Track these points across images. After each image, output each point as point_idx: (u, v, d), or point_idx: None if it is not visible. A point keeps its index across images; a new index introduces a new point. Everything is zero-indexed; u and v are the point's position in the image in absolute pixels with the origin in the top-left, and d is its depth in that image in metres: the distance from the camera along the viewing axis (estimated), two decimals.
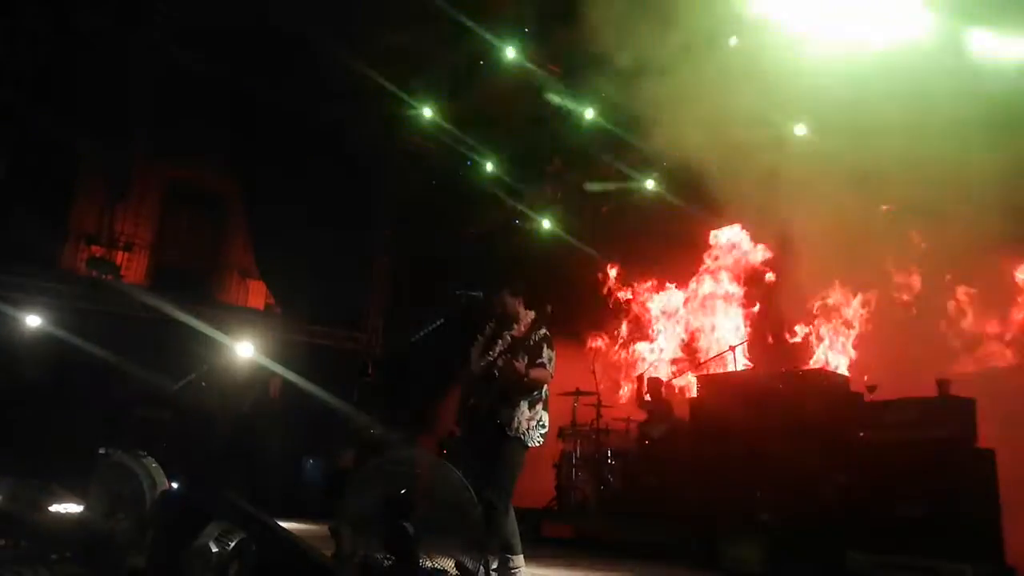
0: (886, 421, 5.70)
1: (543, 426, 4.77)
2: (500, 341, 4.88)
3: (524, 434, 4.65)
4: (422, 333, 5.68)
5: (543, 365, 4.72)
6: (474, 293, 5.20)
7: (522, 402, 4.68)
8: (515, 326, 4.89)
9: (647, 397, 9.36)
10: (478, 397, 4.74)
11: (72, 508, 4.40)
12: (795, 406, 6.36)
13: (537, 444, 4.74)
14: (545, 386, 4.81)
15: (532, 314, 4.90)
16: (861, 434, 5.80)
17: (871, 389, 6.18)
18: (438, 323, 5.60)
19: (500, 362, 4.72)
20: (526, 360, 4.62)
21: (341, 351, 14.71)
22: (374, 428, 9.66)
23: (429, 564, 3.81)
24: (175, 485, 5.50)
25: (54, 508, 4.64)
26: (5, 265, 11.79)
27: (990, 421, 5.50)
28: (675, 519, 7.32)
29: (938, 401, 5.53)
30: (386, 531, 3.82)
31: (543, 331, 4.77)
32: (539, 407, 4.77)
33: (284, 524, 3.52)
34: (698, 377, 8.60)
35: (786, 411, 6.37)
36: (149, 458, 6.56)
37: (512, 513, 4.65)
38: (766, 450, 6.27)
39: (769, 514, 6.10)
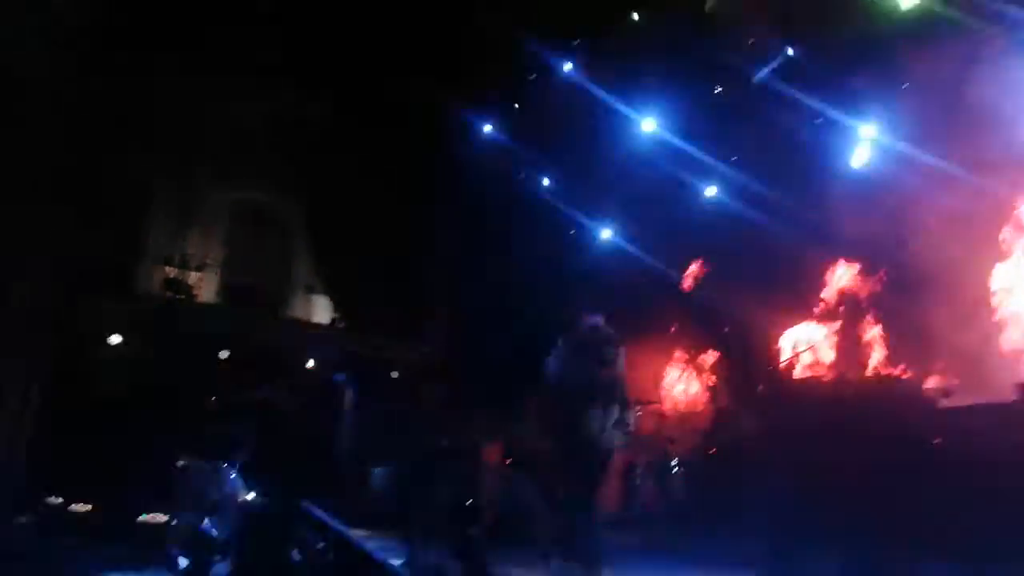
0: (963, 427, 5.51)
1: (626, 423, 4.73)
2: (576, 350, 4.82)
3: (604, 438, 4.61)
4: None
5: (610, 363, 4.68)
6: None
7: (600, 408, 4.62)
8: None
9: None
10: (560, 406, 4.73)
11: (158, 517, 4.62)
12: (866, 412, 6.21)
13: (620, 443, 4.73)
14: (621, 385, 4.78)
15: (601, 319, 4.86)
16: (936, 441, 5.63)
17: (946, 394, 6.00)
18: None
19: (573, 369, 4.69)
20: (598, 362, 4.62)
21: (405, 362, 14.92)
22: (442, 437, 9.79)
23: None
24: (254, 495, 5.71)
25: (142, 518, 4.87)
26: (91, 290, 12.41)
27: None
28: (744, 530, 7.19)
29: (1018, 405, 5.33)
30: (454, 539, 3.91)
31: (608, 331, 4.75)
32: (614, 408, 4.70)
33: (356, 533, 3.64)
34: (765, 384, 8.45)
35: (858, 418, 6.23)
36: (228, 468, 6.83)
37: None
38: (837, 458, 6.13)
39: (842, 525, 5.95)
